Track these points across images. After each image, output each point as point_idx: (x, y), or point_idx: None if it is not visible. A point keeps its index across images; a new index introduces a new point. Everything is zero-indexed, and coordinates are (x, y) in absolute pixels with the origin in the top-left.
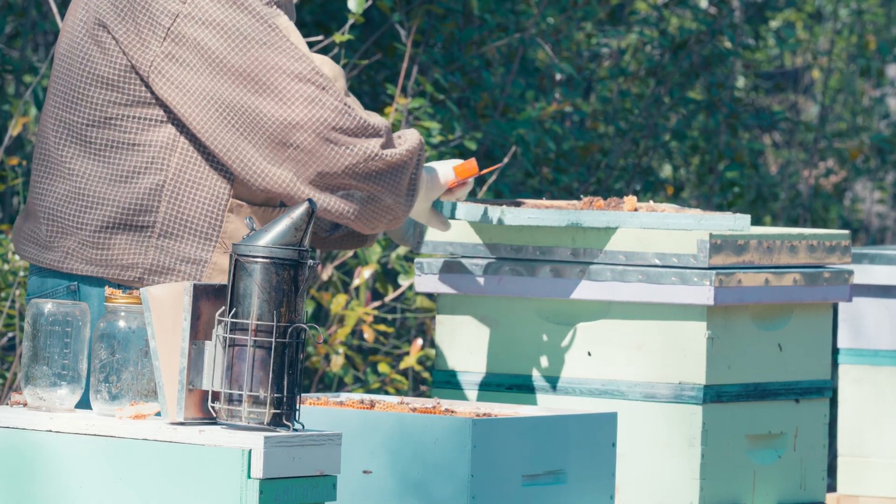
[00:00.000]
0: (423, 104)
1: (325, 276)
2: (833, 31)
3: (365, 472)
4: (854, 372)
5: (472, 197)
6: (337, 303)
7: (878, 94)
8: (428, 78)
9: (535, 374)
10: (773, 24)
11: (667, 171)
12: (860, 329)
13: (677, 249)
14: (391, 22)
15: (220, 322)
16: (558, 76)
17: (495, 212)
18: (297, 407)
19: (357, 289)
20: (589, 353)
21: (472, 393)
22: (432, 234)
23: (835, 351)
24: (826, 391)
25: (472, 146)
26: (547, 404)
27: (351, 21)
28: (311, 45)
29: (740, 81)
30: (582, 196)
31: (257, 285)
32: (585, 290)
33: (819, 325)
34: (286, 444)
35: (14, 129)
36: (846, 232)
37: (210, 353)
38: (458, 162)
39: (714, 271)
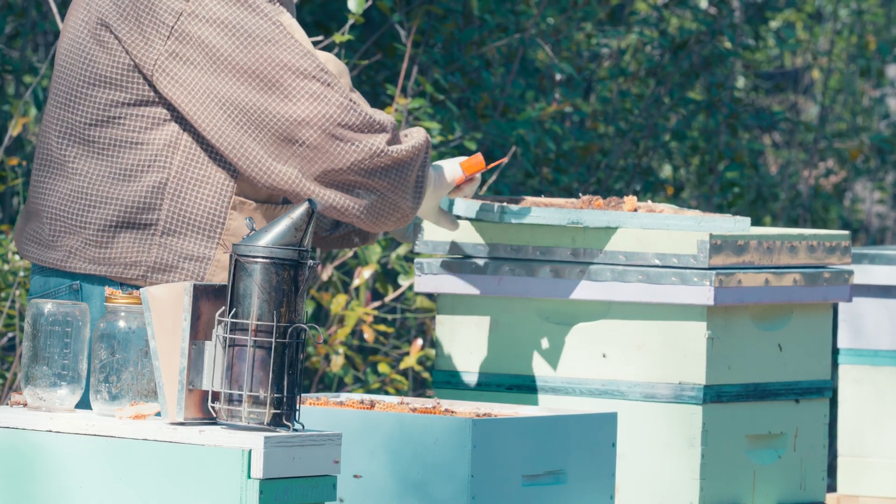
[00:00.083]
0: (423, 104)
1: (325, 276)
2: (833, 32)
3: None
4: (854, 372)
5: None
6: (337, 303)
7: (878, 94)
8: (428, 78)
9: (535, 374)
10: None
11: (667, 171)
12: (860, 329)
13: (677, 250)
14: (391, 22)
15: (220, 322)
16: (558, 76)
17: (496, 209)
18: (297, 407)
19: (357, 289)
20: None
21: (472, 393)
22: (432, 234)
23: (835, 351)
24: (826, 391)
25: (472, 146)
26: (547, 404)
27: (351, 21)
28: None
29: (740, 81)
30: (581, 195)
31: (257, 285)
32: (585, 290)
33: (819, 325)
34: (286, 445)
35: (14, 130)
36: (846, 232)
37: (210, 354)
38: (463, 158)
39: (714, 271)
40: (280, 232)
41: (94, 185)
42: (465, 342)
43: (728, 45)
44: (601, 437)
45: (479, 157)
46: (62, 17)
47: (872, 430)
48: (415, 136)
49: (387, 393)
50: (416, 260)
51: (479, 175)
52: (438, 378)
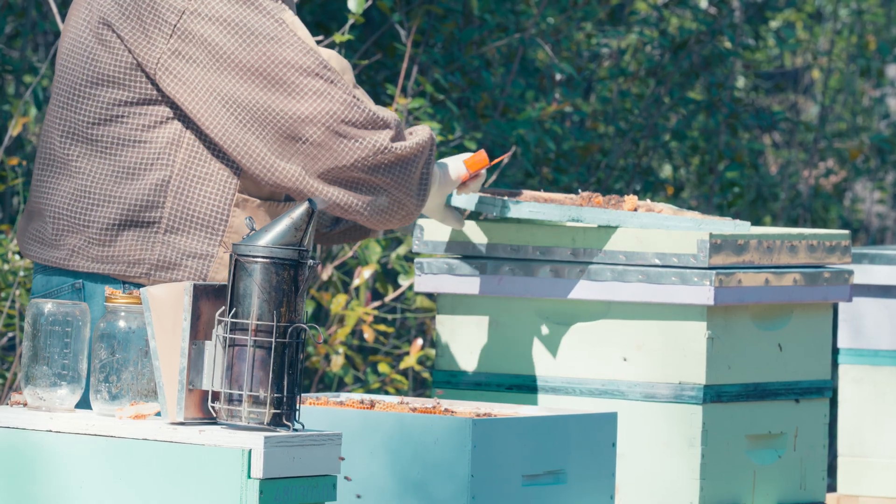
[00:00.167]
0: (423, 104)
1: (325, 276)
2: (833, 31)
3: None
4: (854, 372)
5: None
6: (337, 303)
7: (878, 94)
8: (428, 78)
9: (535, 374)
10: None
11: (667, 171)
12: (860, 329)
13: (677, 249)
14: (391, 22)
15: (220, 322)
16: (558, 76)
17: (496, 202)
18: (297, 407)
19: (357, 289)
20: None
21: (472, 393)
22: (432, 234)
23: (835, 351)
24: (826, 391)
25: (472, 146)
26: (547, 404)
27: (351, 21)
28: None
29: (740, 81)
30: (580, 191)
31: (257, 285)
32: (585, 290)
33: (819, 325)
34: (286, 444)
35: (14, 129)
36: (846, 232)
37: (210, 353)
38: (467, 155)
39: (714, 271)
40: (280, 232)
41: (97, 184)
42: (465, 342)
43: (728, 45)
44: (601, 437)
45: (482, 153)
46: (62, 17)
47: (872, 430)
48: (419, 133)
49: (387, 393)
50: (416, 260)
51: (483, 171)
52: (438, 378)
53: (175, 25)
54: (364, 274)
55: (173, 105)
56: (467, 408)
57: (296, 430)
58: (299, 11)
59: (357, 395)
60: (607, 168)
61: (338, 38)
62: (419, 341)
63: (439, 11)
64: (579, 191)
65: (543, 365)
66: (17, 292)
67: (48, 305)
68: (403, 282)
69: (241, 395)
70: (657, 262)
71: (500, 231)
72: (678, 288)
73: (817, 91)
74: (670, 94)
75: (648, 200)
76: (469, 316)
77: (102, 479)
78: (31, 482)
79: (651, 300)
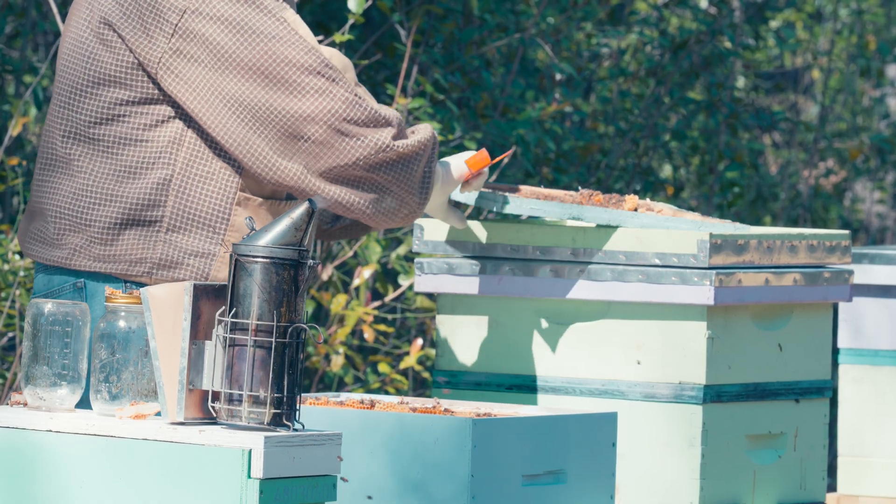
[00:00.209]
0: (423, 104)
1: (325, 276)
2: (833, 31)
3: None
4: (854, 372)
5: None
6: (337, 303)
7: (878, 94)
8: (428, 78)
9: (535, 374)
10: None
11: (667, 171)
12: (860, 329)
13: (677, 249)
14: (391, 22)
15: (220, 322)
16: (558, 76)
17: (496, 199)
18: (297, 407)
19: (357, 289)
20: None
21: (472, 393)
22: (432, 234)
23: (835, 351)
24: (826, 391)
25: (472, 146)
26: (547, 404)
27: (351, 21)
28: None
29: (740, 81)
30: (580, 188)
31: (257, 285)
32: (585, 290)
33: (819, 325)
34: (286, 444)
35: (14, 129)
36: (846, 232)
37: (210, 353)
38: (468, 154)
39: (714, 271)
40: (280, 232)
41: (98, 183)
42: (465, 342)
43: (728, 45)
44: (601, 437)
45: (483, 152)
46: (62, 17)
47: (872, 430)
48: (421, 132)
49: (387, 393)
50: (416, 260)
51: (486, 170)
52: (438, 378)
53: (176, 25)
54: (364, 274)
55: (175, 104)
56: (467, 408)
57: (296, 430)
58: (299, 11)
59: (357, 395)
60: (607, 168)
61: (338, 38)
62: (419, 341)
63: (439, 11)
64: (579, 188)
65: (543, 365)
66: (17, 292)
67: (48, 305)
68: (403, 282)
69: (241, 395)
70: (657, 262)
71: (500, 231)
72: (678, 288)
73: (817, 91)
74: (670, 94)
75: (648, 200)
76: (469, 316)
77: (102, 479)
78: (31, 482)
79: (651, 300)
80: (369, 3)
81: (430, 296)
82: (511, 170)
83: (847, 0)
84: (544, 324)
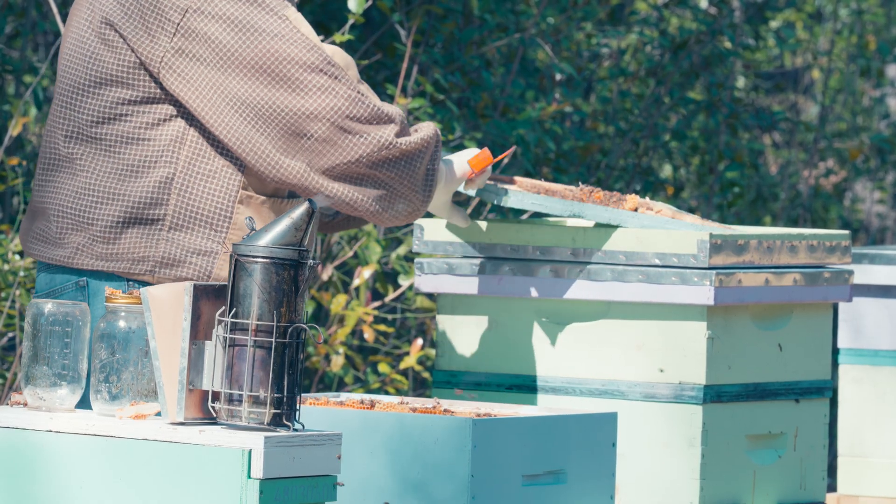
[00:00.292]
0: (423, 104)
1: (325, 276)
2: (833, 31)
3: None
4: (854, 372)
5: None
6: (337, 303)
7: (878, 94)
8: (428, 78)
9: (536, 374)
10: (773, 24)
11: (667, 171)
12: (860, 329)
13: (677, 249)
14: (391, 22)
15: (220, 322)
16: (558, 76)
17: (498, 192)
18: (297, 407)
19: (357, 289)
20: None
21: (472, 393)
22: (432, 234)
23: (835, 351)
24: (826, 391)
25: (472, 146)
26: (547, 404)
27: (351, 21)
28: None
29: (740, 81)
30: (580, 183)
31: (257, 285)
32: (585, 290)
33: (819, 325)
34: (286, 444)
35: (14, 129)
36: (846, 232)
37: (210, 353)
38: (471, 153)
39: (714, 271)
40: (280, 232)
41: (101, 182)
42: (465, 342)
43: (728, 45)
44: (601, 437)
45: (486, 151)
46: (62, 17)
47: (872, 430)
48: (424, 129)
49: (387, 393)
50: (416, 260)
51: (489, 168)
52: (438, 378)
53: (178, 24)
54: (364, 274)
55: (176, 103)
56: (467, 408)
57: (296, 430)
58: (299, 11)
59: (357, 395)
60: (607, 168)
61: (338, 38)
62: (419, 341)
63: (439, 11)
64: (579, 183)
65: (543, 365)
66: (17, 292)
67: (48, 305)
68: (403, 282)
69: (241, 395)
70: (657, 262)
71: (500, 231)
72: (678, 288)
73: (817, 91)
74: (670, 94)
75: (648, 199)
76: (469, 316)
77: (102, 479)
78: (31, 482)
79: (651, 300)
80: (369, 3)
81: (430, 296)
82: (511, 170)
83: (847, 0)
84: (544, 324)
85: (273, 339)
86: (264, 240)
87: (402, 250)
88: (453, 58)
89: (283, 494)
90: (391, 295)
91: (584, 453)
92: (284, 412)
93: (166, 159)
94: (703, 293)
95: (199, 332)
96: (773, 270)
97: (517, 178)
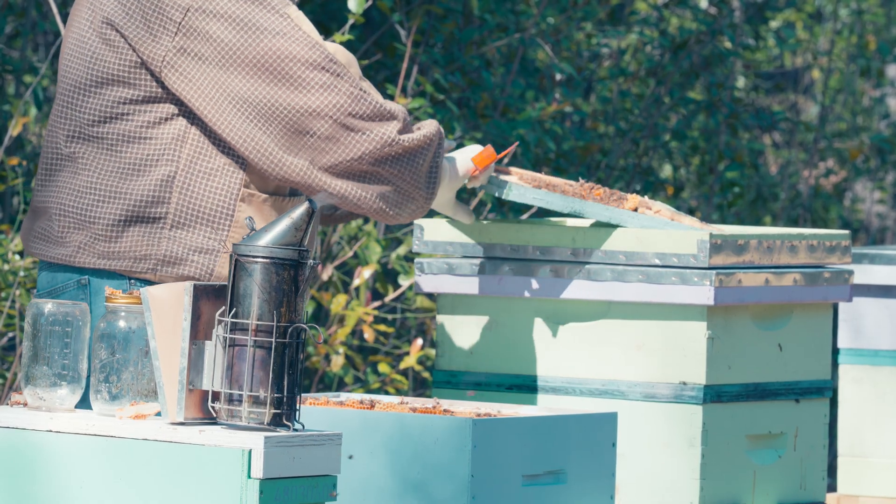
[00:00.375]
0: (423, 104)
1: (325, 276)
2: (833, 31)
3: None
4: (854, 372)
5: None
6: (337, 303)
7: (878, 94)
8: (428, 78)
9: (536, 374)
10: (773, 24)
11: (667, 171)
12: (860, 329)
13: (677, 249)
14: (391, 22)
15: (220, 322)
16: (558, 76)
17: (501, 185)
18: (297, 407)
19: (357, 289)
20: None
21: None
22: (432, 234)
23: (835, 351)
24: (826, 391)
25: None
26: (547, 404)
27: (351, 21)
28: None
29: (740, 81)
30: (580, 178)
31: (257, 285)
32: (585, 290)
33: (819, 325)
34: (286, 444)
35: (14, 129)
36: (846, 232)
37: (210, 353)
38: (474, 150)
39: (714, 271)
40: (280, 232)
41: (102, 181)
42: (465, 342)
43: (728, 45)
44: (601, 437)
45: (489, 148)
46: (62, 17)
47: (872, 430)
48: (427, 127)
49: (387, 393)
50: (416, 260)
51: (492, 165)
52: (438, 378)
53: (180, 23)
54: (364, 274)
55: (178, 102)
56: (467, 408)
57: (296, 430)
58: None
59: (357, 395)
60: (607, 168)
61: (338, 38)
62: (419, 341)
63: (439, 11)
64: (579, 178)
65: (543, 365)
66: (17, 292)
67: (48, 305)
68: (403, 282)
69: (241, 395)
70: (657, 262)
71: (500, 231)
72: (678, 288)
73: (817, 91)
74: (670, 94)
75: (647, 198)
76: (469, 316)
77: (102, 479)
78: (31, 482)
79: (651, 300)
80: (369, 3)
81: (430, 296)
82: None
83: (847, 0)
84: (544, 324)
85: (273, 339)
86: (264, 240)
87: (402, 250)
88: (453, 58)
89: (283, 494)
90: (391, 295)
91: (585, 453)
92: (284, 412)
93: (168, 158)
94: (703, 293)
95: (199, 332)
96: (773, 270)
97: (515, 170)
